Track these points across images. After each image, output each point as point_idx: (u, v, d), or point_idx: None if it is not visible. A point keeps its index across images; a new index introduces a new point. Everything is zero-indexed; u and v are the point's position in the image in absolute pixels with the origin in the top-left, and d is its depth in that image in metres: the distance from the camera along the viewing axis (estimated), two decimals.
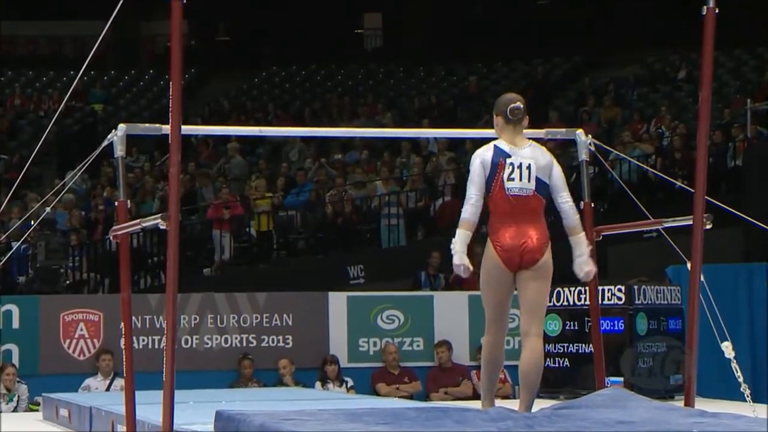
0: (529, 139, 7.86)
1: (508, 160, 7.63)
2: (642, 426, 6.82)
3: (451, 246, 7.75)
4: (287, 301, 16.34)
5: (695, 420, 6.91)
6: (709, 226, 8.73)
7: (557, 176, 7.79)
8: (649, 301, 13.90)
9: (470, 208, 7.71)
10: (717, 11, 8.05)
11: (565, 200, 7.82)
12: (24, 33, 35.45)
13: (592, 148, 9.64)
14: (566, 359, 14.03)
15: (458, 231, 7.72)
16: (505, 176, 7.62)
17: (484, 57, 31.00)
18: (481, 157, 7.70)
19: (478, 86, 29.66)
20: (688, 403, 8.60)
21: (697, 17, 8.10)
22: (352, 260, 20.41)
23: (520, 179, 7.63)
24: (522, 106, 7.70)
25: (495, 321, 7.87)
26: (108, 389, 14.86)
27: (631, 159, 17.28)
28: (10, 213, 20.93)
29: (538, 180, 7.67)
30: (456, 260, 7.70)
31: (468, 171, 7.94)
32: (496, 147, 7.69)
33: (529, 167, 7.64)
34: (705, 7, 8.04)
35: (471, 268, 7.70)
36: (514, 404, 8.04)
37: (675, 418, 7.14)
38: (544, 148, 7.84)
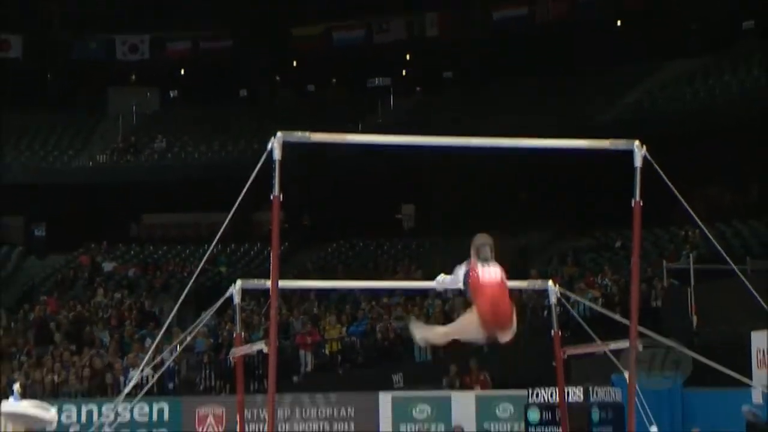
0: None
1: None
2: None
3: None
4: (351, 399, 16.26)
5: None
6: (641, 348, 8.62)
7: None
8: (600, 399, 13.67)
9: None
10: (642, 203, 8.03)
11: None
12: (175, 221, 35.87)
13: (559, 294, 9.60)
14: None
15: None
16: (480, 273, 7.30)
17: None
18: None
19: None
20: None
21: (628, 206, 8.08)
22: (395, 370, 20.21)
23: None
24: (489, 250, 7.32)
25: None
26: None
27: (585, 301, 17.16)
28: (164, 342, 20.87)
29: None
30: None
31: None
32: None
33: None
34: (633, 200, 8.02)
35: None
36: None
37: None
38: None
